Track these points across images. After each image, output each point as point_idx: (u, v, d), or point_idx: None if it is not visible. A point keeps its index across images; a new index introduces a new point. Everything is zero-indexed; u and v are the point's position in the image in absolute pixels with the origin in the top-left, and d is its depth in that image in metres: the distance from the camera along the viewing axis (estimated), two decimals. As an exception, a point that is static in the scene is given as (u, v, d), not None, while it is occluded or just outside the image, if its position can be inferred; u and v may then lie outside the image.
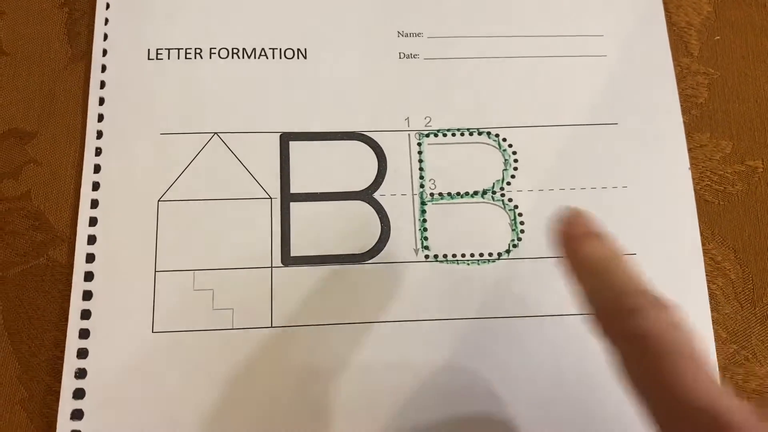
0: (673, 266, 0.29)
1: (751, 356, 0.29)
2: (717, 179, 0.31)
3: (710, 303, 0.29)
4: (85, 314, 0.27)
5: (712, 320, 0.29)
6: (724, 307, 0.29)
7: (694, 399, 0.16)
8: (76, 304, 0.27)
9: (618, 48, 0.32)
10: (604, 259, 0.20)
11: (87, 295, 0.27)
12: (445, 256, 0.28)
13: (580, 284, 0.20)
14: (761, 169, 0.31)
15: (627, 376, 0.18)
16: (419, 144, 0.30)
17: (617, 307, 0.19)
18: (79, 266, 0.27)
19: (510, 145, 0.30)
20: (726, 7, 0.34)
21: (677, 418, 0.17)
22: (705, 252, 0.30)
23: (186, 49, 0.30)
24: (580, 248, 0.20)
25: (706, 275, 0.29)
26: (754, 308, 0.29)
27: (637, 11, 0.33)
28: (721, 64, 0.33)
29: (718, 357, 0.28)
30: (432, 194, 0.29)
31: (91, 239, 0.28)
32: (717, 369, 0.28)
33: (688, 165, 0.31)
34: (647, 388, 0.18)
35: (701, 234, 0.30)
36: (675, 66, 0.32)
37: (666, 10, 0.33)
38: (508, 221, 0.29)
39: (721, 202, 0.31)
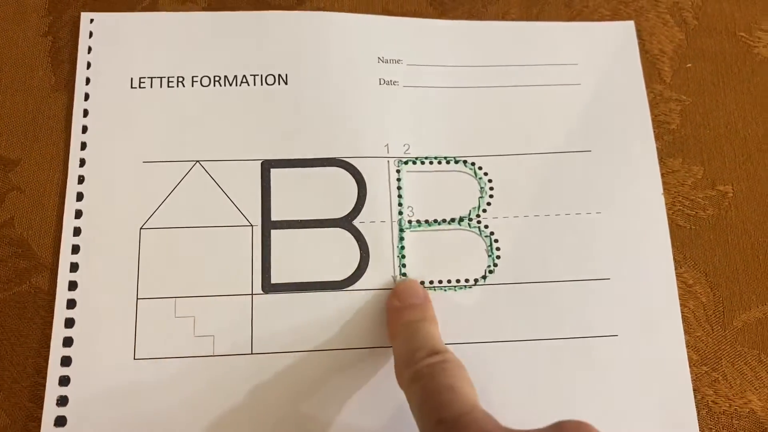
0: (646, 290, 0.30)
1: (721, 378, 0.29)
2: (689, 204, 0.32)
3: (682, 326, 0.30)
4: (67, 341, 0.27)
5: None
6: (696, 329, 0.30)
7: (450, 416, 0.21)
8: (58, 331, 0.27)
9: (592, 76, 0.33)
10: (414, 321, 0.26)
11: (69, 323, 0.27)
12: (422, 282, 0.29)
13: (395, 342, 0.26)
14: (731, 194, 0.32)
15: (414, 415, 0.23)
16: (398, 171, 0.30)
17: (408, 359, 0.24)
18: (62, 293, 0.28)
19: (486, 173, 0.30)
20: (698, 36, 0.34)
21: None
22: (677, 276, 0.30)
23: (168, 77, 0.31)
24: (402, 316, 0.27)
25: (678, 298, 0.30)
26: (725, 331, 0.30)
27: (610, 40, 0.33)
28: (693, 90, 0.34)
29: (688, 379, 0.29)
30: (410, 221, 0.30)
31: (74, 267, 0.28)
32: (691, 390, 0.29)
33: (661, 191, 0.31)
34: (420, 417, 0.22)
35: (673, 258, 0.31)
36: (648, 93, 0.33)
37: (639, 38, 0.34)
38: (485, 248, 0.30)
39: (693, 227, 0.31)
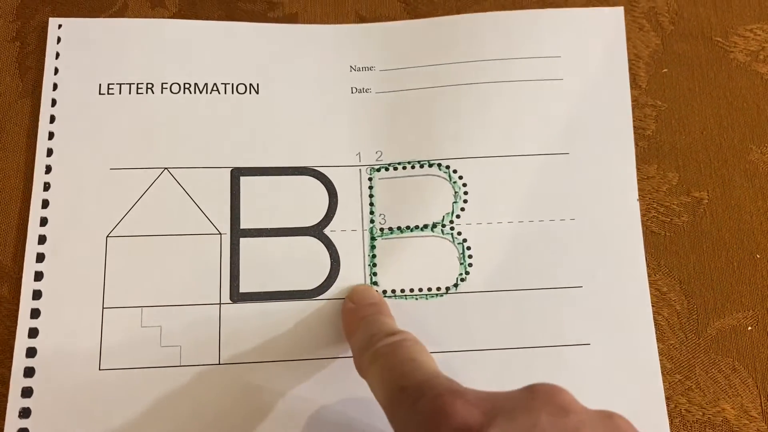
0: (619, 298, 0.29)
1: (694, 386, 0.29)
2: (663, 211, 0.32)
3: (656, 334, 0.29)
4: (31, 352, 0.27)
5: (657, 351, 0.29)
6: (669, 337, 0.30)
7: (413, 382, 0.21)
8: (21, 341, 0.27)
9: (575, 71, 0.31)
10: (371, 315, 0.26)
11: (33, 333, 0.27)
12: (393, 291, 0.29)
13: (353, 337, 0.26)
14: (706, 201, 0.32)
15: (376, 394, 0.23)
16: (370, 179, 0.30)
17: (366, 343, 0.24)
18: (26, 303, 0.27)
19: (460, 177, 0.30)
20: (673, 41, 0.34)
21: (402, 400, 0.21)
22: (651, 283, 0.30)
23: (137, 83, 0.30)
24: (358, 313, 0.27)
25: (652, 306, 0.30)
26: (699, 339, 0.30)
27: (596, 29, 0.32)
28: (669, 96, 0.33)
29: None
30: (382, 229, 0.29)
31: (38, 275, 0.27)
32: (663, 399, 0.28)
33: (637, 196, 0.31)
34: (382, 389, 0.22)
35: (647, 265, 0.30)
36: (624, 98, 0.33)
37: (615, 43, 0.34)
38: (457, 255, 0.29)
39: (668, 234, 0.31)
